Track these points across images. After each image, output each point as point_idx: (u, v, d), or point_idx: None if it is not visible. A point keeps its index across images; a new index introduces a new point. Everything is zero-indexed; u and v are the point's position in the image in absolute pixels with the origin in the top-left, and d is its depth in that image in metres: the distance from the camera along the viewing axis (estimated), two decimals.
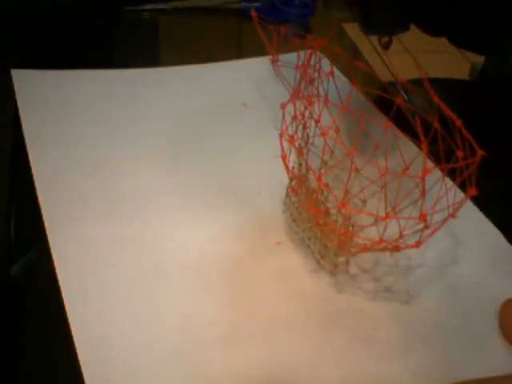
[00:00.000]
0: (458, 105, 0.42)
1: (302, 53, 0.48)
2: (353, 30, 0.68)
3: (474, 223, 0.51)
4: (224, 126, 0.60)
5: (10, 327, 0.41)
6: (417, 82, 0.43)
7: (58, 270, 0.42)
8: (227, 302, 0.42)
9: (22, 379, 0.38)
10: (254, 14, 0.52)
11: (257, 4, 0.80)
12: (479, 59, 0.71)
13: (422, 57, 0.73)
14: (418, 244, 0.41)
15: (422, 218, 0.40)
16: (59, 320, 0.41)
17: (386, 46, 0.58)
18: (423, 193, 0.39)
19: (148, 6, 0.80)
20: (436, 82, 0.43)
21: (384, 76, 0.66)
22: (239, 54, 0.78)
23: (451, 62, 0.71)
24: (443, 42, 0.66)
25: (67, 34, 0.74)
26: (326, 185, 0.45)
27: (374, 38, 0.61)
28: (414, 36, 0.61)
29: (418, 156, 0.44)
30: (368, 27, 0.56)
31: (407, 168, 0.42)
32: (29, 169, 0.52)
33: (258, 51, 0.76)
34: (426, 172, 0.38)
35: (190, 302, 0.42)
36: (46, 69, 0.65)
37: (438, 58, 0.71)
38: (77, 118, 0.58)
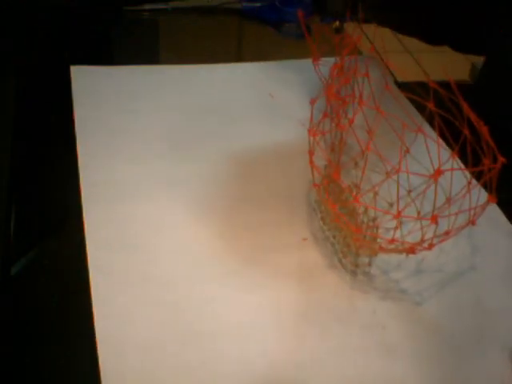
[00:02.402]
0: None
1: (354, 58, 0.48)
2: (353, 30, 0.68)
3: (499, 231, 0.51)
4: (253, 122, 0.61)
5: (10, 327, 0.41)
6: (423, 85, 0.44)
7: (87, 244, 0.44)
8: (248, 290, 0.43)
9: (23, 378, 0.38)
10: (300, 13, 0.52)
11: (258, 4, 0.80)
12: (479, 59, 0.71)
13: (422, 57, 0.72)
14: (430, 247, 0.41)
15: (433, 219, 0.40)
16: (59, 320, 0.41)
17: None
18: (436, 193, 0.39)
19: (148, 6, 0.80)
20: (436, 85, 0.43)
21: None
22: (239, 53, 0.78)
23: (451, 62, 0.71)
24: None
25: (68, 33, 0.74)
26: (356, 185, 0.45)
27: (374, 38, 0.61)
28: None
29: (448, 161, 0.44)
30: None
31: (438, 172, 0.42)
32: (29, 169, 0.52)
33: (258, 51, 0.76)
34: (438, 172, 0.39)
35: (213, 287, 0.43)
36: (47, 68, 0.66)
37: (437, 58, 0.71)
38: (121, 109, 0.60)
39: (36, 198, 0.50)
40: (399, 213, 0.41)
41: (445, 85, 0.42)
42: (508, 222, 0.52)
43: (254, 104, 0.64)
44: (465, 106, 0.40)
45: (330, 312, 0.42)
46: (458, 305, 0.44)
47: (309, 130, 0.47)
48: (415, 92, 0.46)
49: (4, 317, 0.41)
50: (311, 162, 0.47)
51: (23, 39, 0.72)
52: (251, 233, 0.48)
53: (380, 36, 0.59)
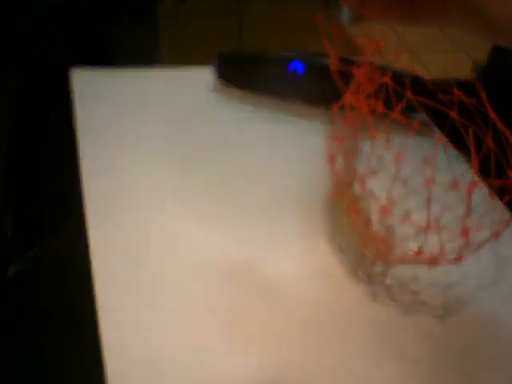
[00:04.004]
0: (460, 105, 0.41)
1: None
2: (353, 30, 0.68)
3: None
4: (265, 126, 0.60)
5: (9, 326, 0.41)
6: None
7: (92, 258, 0.43)
8: (255, 296, 0.42)
9: (22, 377, 0.38)
10: (319, 16, 0.52)
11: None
12: (481, 59, 0.71)
13: (424, 56, 0.72)
14: (456, 260, 0.39)
15: (464, 233, 0.38)
16: (59, 319, 0.40)
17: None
18: (468, 207, 0.38)
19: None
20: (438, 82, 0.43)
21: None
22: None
23: (452, 62, 0.71)
24: (445, 41, 0.66)
25: (68, 33, 0.74)
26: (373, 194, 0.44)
27: (374, 38, 0.61)
28: (414, 36, 0.61)
29: (467, 172, 0.42)
30: None
31: (455, 185, 0.41)
32: (29, 169, 0.52)
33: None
34: (473, 185, 0.37)
35: (218, 293, 0.42)
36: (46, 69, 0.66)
37: (438, 57, 0.71)
38: (123, 115, 0.59)
39: (36, 197, 0.50)
40: (429, 225, 0.39)
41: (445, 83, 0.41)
42: None
43: None
44: (492, 115, 0.38)
45: (343, 322, 0.41)
46: (478, 319, 0.42)
47: (332, 136, 0.45)
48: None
49: (4, 317, 0.41)
50: (331, 169, 0.45)
51: (24, 39, 0.72)
52: (259, 239, 0.47)
53: (380, 36, 0.59)
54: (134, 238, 0.46)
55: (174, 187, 0.52)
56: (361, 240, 0.42)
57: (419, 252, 0.39)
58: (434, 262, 0.39)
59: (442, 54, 0.70)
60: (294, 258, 0.45)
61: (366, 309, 0.42)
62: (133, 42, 0.77)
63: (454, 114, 0.42)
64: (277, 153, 0.56)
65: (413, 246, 0.41)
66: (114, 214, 0.48)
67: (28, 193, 0.51)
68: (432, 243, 0.40)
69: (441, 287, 0.44)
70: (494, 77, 0.64)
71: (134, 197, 0.50)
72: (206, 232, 0.48)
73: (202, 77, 0.67)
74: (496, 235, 0.40)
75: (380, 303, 0.42)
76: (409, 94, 0.46)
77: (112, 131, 0.57)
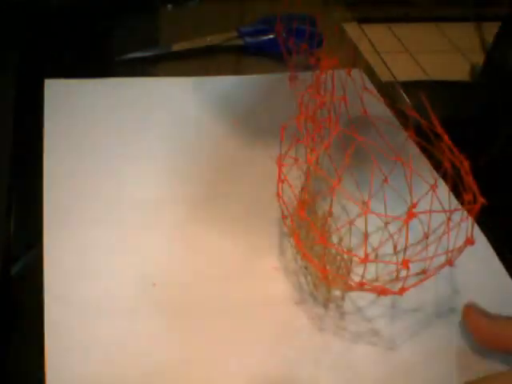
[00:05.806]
0: (458, 107, 0.42)
1: (341, 71, 0.45)
2: (353, 30, 0.68)
3: (486, 268, 0.46)
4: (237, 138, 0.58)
5: (9, 327, 0.41)
6: (416, 84, 0.43)
7: (45, 271, 0.43)
8: (212, 318, 0.41)
9: (22, 379, 0.38)
10: (279, 28, 0.52)
11: (263, 37, 0.76)
12: (479, 60, 0.71)
13: (422, 57, 0.73)
14: (401, 291, 0.38)
15: (404, 264, 0.37)
16: None
17: None
18: (407, 236, 0.37)
19: (138, 54, 0.71)
20: (435, 85, 0.43)
21: (384, 76, 0.66)
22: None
23: (451, 62, 0.71)
24: (443, 41, 0.66)
25: (67, 33, 0.74)
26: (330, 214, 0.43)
27: (374, 38, 0.61)
28: (414, 36, 0.61)
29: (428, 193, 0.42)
30: None
31: (414, 206, 0.40)
32: (29, 169, 0.52)
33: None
34: (411, 216, 0.37)
35: (175, 317, 0.41)
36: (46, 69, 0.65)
37: (438, 58, 0.71)
38: (96, 127, 0.57)
39: (36, 197, 0.50)
40: (366, 256, 0.38)
41: (443, 84, 0.42)
42: (496, 258, 0.47)
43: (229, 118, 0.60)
44: (446, 139, 0.38)
45: (298, 350, 0.40)
46: (434, 349, 0.41)
47: (277, 159, 0.44)
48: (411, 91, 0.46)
49: (4, 317, 0.41)
50: (279, 193, 0.44)
51: (24, 38, 0.72)
52: (219, 260, 0.45)
53: (379, 36, 0.59)
54: (93, 263, 0.44)
55: (145, 207, 0.49)
56: (314, 264, 0.41)
57: (362, 283, 0.39)
58: (382, 291, 0.38)
59: (440, 56, 0.70)
60: (247, 278, 0.44)
61: (319, 337, 0.41)
62: (133, 42, 0.77)
63: (411, 134, 0.42)
64: (240, 170, 0.54)
65: (373, 270, 0.41)
66: (76, 238, 0.46)
67: (28, 193, 0.51)
68: (389, 268, 0.40)
69: (396, 314, 0.43)
70: (491, 78, 0.64)
71: (99, 217, 0.48)
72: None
73: (180, 87, 0.64)
74: (449, 263, 0.39)
75: (333, 331, 0.41)
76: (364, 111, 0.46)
77: (83, 147, 0.54)
